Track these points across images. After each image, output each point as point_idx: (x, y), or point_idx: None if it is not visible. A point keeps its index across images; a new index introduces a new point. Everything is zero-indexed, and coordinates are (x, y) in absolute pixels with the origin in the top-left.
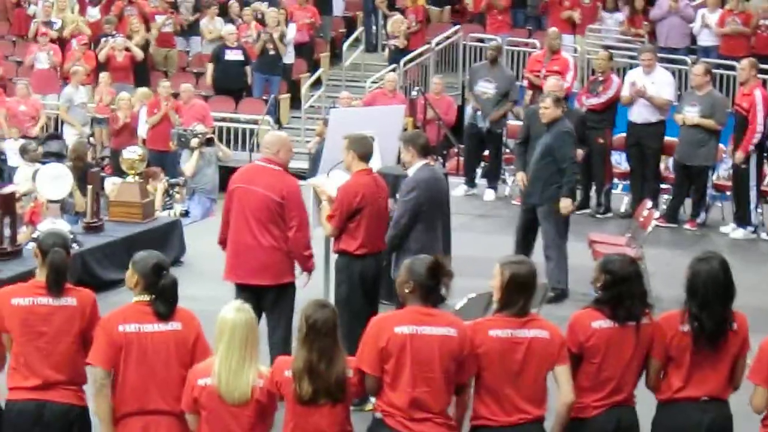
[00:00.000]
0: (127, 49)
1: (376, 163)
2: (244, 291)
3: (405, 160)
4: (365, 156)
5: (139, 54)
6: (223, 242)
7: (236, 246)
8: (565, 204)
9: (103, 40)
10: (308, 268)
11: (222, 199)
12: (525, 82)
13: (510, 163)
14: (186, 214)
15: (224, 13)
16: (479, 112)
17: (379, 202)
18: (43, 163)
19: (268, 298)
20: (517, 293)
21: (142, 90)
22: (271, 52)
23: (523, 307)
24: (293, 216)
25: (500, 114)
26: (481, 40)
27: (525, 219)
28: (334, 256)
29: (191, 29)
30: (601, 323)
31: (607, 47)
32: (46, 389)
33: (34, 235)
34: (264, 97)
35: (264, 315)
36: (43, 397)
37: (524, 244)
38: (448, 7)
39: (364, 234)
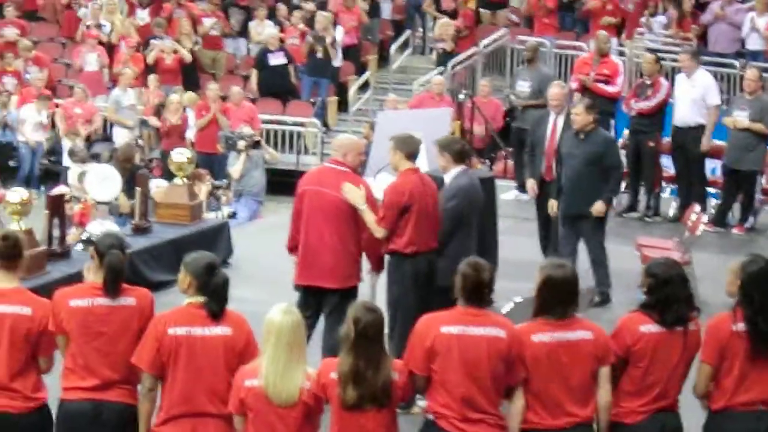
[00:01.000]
0: (176, 52)
1: (422, 166)
2: (308, 293)
3: (440, 166)
4: (412, 155)
5: (188, 57)
6: (291, 248)
7: (306, 249)
8: (601, 209)
9: (152, 42)
10: (379, 269)
11: (269, 201)
12: (573, 85)
13: None
14: (233, 216)
15: (272, 16)
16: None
17: (427, 200)
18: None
19: (331, 301)
20: (554, 297)
21: (189, 94)
22: (319, 55)
23: (563, 312)
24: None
25: (527, 105)
26: (526, 43)
27: (566, 233)
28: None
29: (239, 32)
30: (650, 327)
31: (653, 51)
32: (103, 389)
33: (83, 237)
34: (312, 100)
35: (322, 316)
36: (101, 397)
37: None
38: (501, 11)
39: (414, 232)
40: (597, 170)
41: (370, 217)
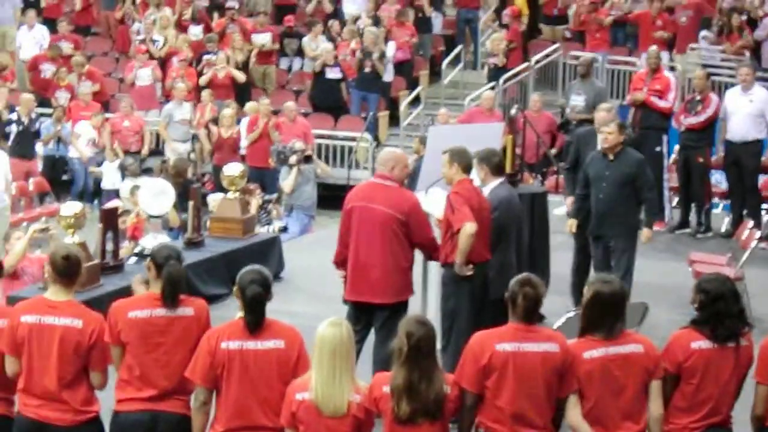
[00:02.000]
0: (237, 67)
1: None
2: (358, 308)
3: (479, 178)
4: (468, 167)
5: (240, 77)
6: (338, 263)
7: (356, 265)
8: (649, 235)
9: (205, 57)
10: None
11: (320, 215)
12: (627, 99)
13: None
14: (284, 230)
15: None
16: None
17: (482, 213)
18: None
19: (382, 315)
20: (602, 312)
21: (250, 104)
22: (367, 70)
23: (611, 328)
24: (419, 230)
25: (582, 119)
26: (579, 58)
27: (599, 253)
28: (432, 272)
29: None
30: (701, 344)
31: (705, 66)
32: (159, 400)
33: (136, 250)
34: (362, 115)
35: (372, 330)
36: (157, 408)
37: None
38: (559, 26)
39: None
40: (630, 192)
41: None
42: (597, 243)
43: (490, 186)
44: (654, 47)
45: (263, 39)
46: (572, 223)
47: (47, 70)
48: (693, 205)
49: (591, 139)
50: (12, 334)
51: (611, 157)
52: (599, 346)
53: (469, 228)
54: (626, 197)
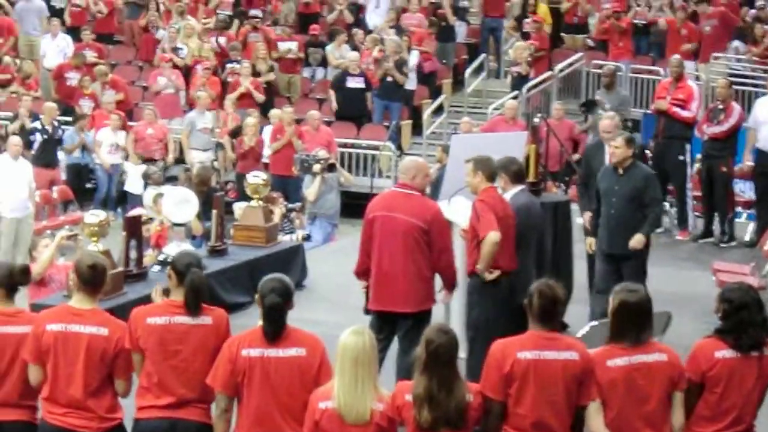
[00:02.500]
0: (256, 75)
1: None
2: (382, 317)
3: (499, 186)
4: (492, 176)
5: (259, 98)
6: (360, 273)
7: (379, 274)
8: (641, 241)
9: (228, 66)
10: (453, 287)
11: (343, 224)
12: (651, 108)
13: None
14: (308, 238)
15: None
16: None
17: (507, 221)
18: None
19: (405, 324)
20: (628, 321)
21: (274, 112)
22: (389, 79)
23: (637, 337)
24: (440, 239)
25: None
26: (603, 67)
27: (606, 269)
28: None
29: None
30: (725, 353)
31: (731, 75)
32: (178, 407)
33: (160, 258)
34: (385, 123)
35: (396, 339)
36: (176, 415)
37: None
38: (581, 35)
39: (497, 252)
40: (638, 207)
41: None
42: (606, 258)
43: (510, 193)
44: (676, 56)
45: (289, 46)
46: (592, 242)
47: (72, 78)
48: (716, 214)
49: (597, 152)
50: (36, 342)
51: (621, 171)
52: (624, 354)
53: (493, 236)
54: (635, 212)
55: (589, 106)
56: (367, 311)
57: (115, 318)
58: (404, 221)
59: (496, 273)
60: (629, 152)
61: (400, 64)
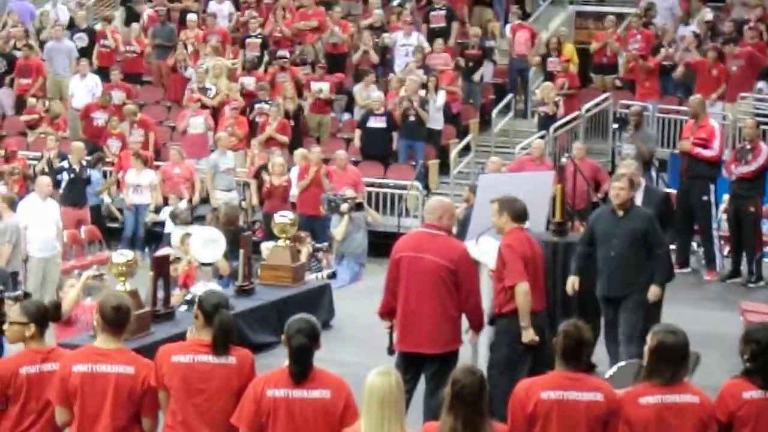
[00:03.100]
0: (287, 116)
1: None
2: (408, 358)
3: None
4: (518, 216)
5: (283, 140)
6: (385, 313)
7: (406, 315)
8: (657, 293)
9: (257, 106)
10: (480, 328)
11: (370, 263)
12: (677, 149)
13: None
14: (333, 275)
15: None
16: None
17: (536, 260)
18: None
19: (432, 365)
20: (664, 361)
21: (299, 151)
22: (412, 118)
23: (672, 376)
24: (467, 280)
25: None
26: (630, 107)
27: (611, 316)
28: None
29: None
30: (753, 393)
31: (756, 115)
32: None
33: (187, 298)
34: (411, 163)
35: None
36: None
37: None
38: (611, 75)
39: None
40: (641, 250)
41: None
42: (607, 304)
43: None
44: (696, 96)
45: (321, 87)
46: (574, 281)
47: (98, 118)
48: (744, 254)
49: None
50: (63, 384)
51: (621, 213)
52: (656, 392)
53: (524, 287)
54: (637, 255)
55: (622, 124)
56: (391, 352)
57: (141, 356)
58: (432, 262)
59: (536, 338)
60: (632, 194)
61: (423, 103)
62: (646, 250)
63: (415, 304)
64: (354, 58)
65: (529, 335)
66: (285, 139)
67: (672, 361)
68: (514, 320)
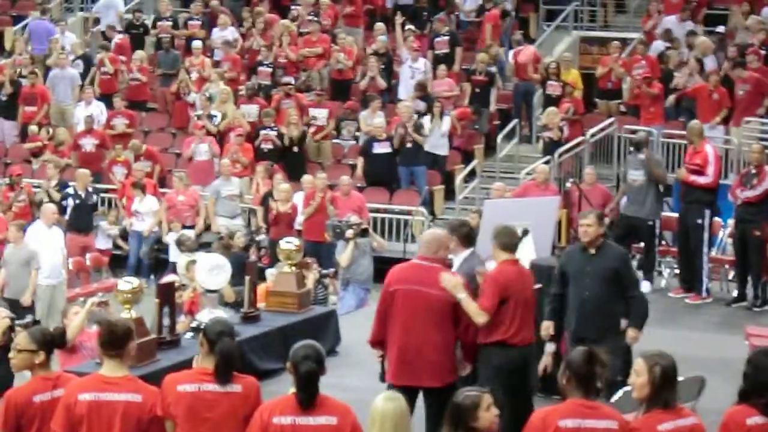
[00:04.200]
0: (291, 142)
1: (529, 254)
2: (404, 390)
3: (450, 249)
4: (507, 246)
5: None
6: (375, 343)
7: (404, 349)
8: (636, 336)
9: (262, 132)
10: (472, 361)
11: (376, 289)
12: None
13: (665, 256)
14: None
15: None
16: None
17: (524, 293)
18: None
19: (432, 398)
20: (668, 388)
21: (306, 178)
22: (409, 144)
23: (674, 401)
24: (465, 316)
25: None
26: (636, 132)
27: None
28: None
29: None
30: (756, 419)
31: (761, 139)
32: None
33: (193, 325)
34: (414, 189)
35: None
36: None
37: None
38: (616, 101)
39: (508, 325)
40: (614, 288)
41: (471, 306)
42: (579, 343)
43: (460, 257)
44: (694, 121)
45: (319, 114)
46: (549, 326)
47: (87, 144)
48: (750, 278)
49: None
50: (67, 413)
51: (592, 251)
52: (668, 419)
53: (480, 317)
54: (611, 293)
55: (638, 146)
56: (383, 378)
57: (147, 384)
58: (432, 295)
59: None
60: (601, 230)
61: (418, 128)
62: (619, 290)
63: (419, 338)
64: (361, 84)
65: (462, 365)
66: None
67: (674, 385)
68: (490, 350)
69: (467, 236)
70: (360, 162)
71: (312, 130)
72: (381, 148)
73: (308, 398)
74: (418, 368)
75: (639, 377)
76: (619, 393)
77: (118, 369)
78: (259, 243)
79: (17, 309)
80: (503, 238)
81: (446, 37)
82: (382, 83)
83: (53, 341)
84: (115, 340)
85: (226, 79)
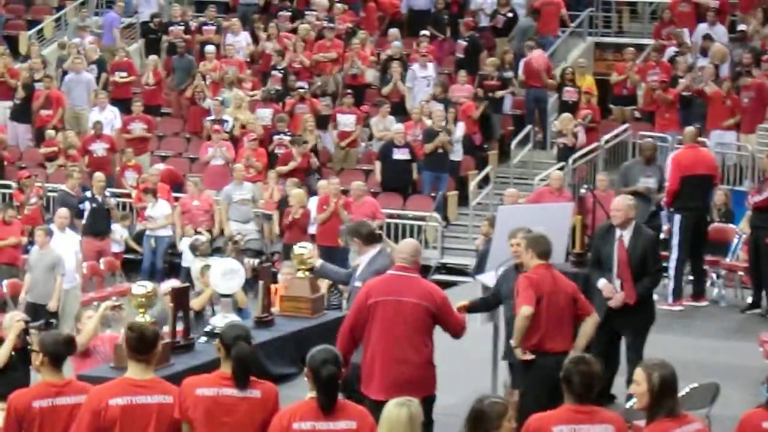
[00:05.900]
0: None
1: None
2: (379, 403)
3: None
4: (543, 254)
5: (315, 163)
6: (345, 353)
7: (387, 362)
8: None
9: (275, 137)
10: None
11: None
12: None
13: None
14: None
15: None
16: None
17: (558, 299)
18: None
19: None
20: (670, 396)
21: (321, 183)
22: (439, 150)
23: (678, 408)
24: (450, 316)
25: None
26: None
27: (603, 339)
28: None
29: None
30: None
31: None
32: None
33: (206, 329)
34: (432, 194)
35: None
36: None
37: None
38: (630, 107)
39: (544, 330)
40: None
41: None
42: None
43: (368, 256)
44: (690, 128)
45: (347, 120)
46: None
47: (98, 149)
48: (764, 285)
49: (607, 234)
50: (96, 419)
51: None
52: (676, 426)
53: (525, 310)
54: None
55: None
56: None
57: (174, 386)
58: (413, 304)
59: (530, 356)
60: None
61: (448, 135)
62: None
63: (400, 350)
64: (384, 90)
65: (518, 354)
66: (316, 162)
67: (674, 393)
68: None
69: (370, 235)
70: (378, 167)
71: (335, 133)
72: (401, 155)
73: (329, 402)
74: (403, 382)
75: (639, 386)
76: (633, 400)
77: (145, 372)
78: (271, 257)
79: (40, 313)
80: (538, 246)
81: (465, 43)
82: (403, 88)
83: (56, 345)
84: (145, 344)
85: (240, 82)
